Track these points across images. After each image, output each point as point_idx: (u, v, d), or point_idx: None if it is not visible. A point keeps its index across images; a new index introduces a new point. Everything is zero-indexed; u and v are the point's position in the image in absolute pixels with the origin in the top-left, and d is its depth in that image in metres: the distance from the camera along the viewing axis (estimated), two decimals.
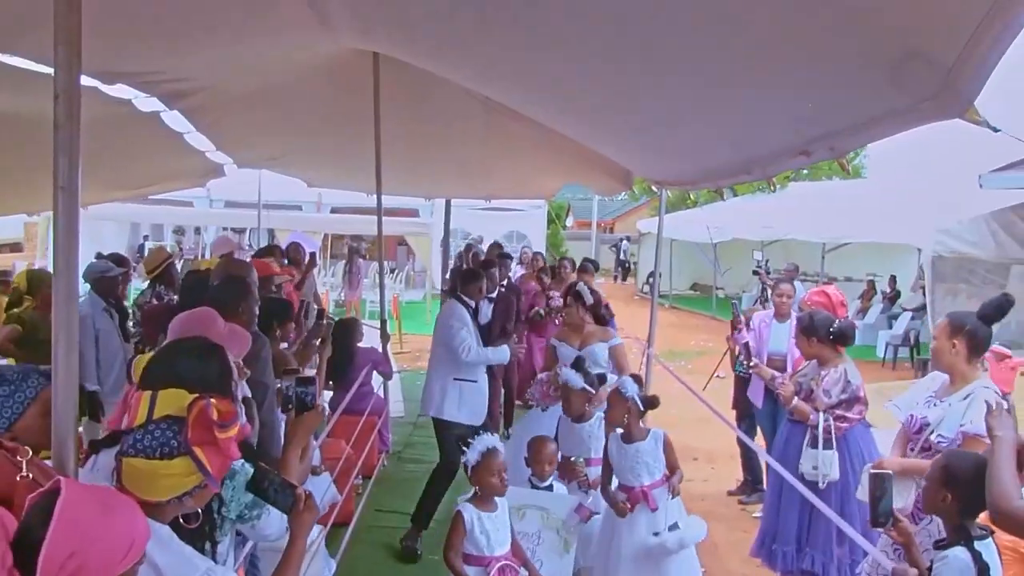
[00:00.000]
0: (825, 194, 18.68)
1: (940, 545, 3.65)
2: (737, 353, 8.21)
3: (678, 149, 6.05)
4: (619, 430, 5.67)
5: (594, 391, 6.17)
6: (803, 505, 5.91)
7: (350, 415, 7.97)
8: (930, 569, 3.61)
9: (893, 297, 20.73)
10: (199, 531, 2.82)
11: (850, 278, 24.26)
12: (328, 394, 8.63)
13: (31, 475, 2.57)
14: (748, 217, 21.84)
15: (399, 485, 8.61)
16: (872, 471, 3.95)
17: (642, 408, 5.66)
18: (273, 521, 3.09)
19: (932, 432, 4.79)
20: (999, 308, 4.84)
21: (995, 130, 2.61)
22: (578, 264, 12.36)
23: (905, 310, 18.88)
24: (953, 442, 4.62)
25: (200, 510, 2.79)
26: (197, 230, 27.31)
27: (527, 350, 11.41)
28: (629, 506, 5.46)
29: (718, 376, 14.23)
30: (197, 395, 2.52)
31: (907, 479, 4.77)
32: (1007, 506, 3.22)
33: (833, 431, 5.86)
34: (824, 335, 6.02)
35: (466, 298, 7.49)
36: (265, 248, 11.99)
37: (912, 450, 4.92)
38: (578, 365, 6.20)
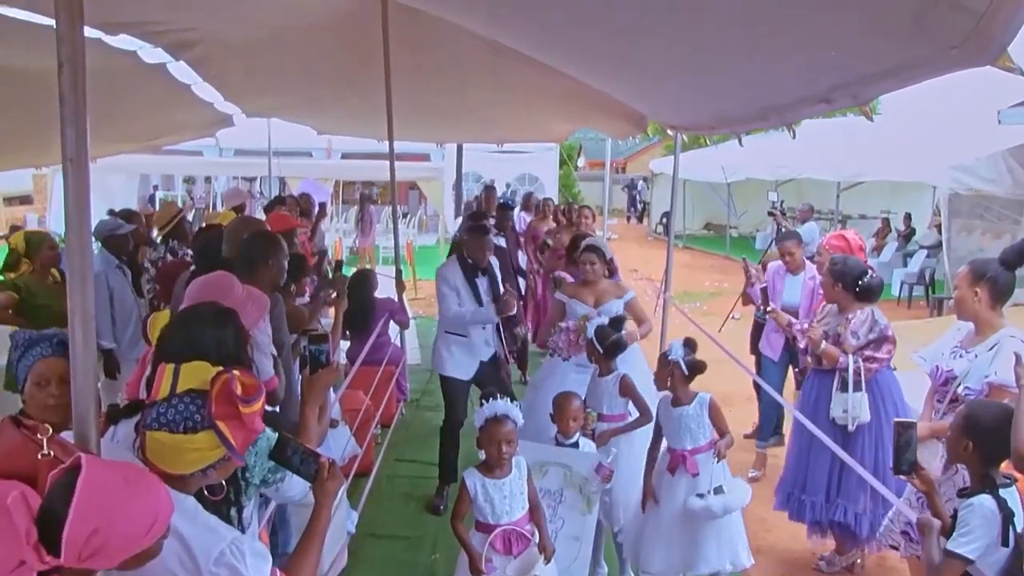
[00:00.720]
0: (839, 132, 18.43)
1: (964, 493, 3.66)
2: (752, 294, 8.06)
3: (694, 95, 5.96)
4: (667, 393, 5.45)
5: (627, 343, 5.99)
6: (834, 455, 5.78)
7: (368, 366, 7.96)
8: (954, 517, 3.62)
9: (908, 235, 20.59)
10: (224, 497, 2.82)
11: (864, 216, 24.12)
12: (345, 345, 8.64)
13: (52, 452, 2.55)
14: (762, 156, 21.62)
15: (418, 433, 8.62)
16: (896, 420, 3.96)
17: (687, 373, 5.33)
18: (296, 483, 3.09)
19: (959, 385, 4.73)
20: (1021, 253, 4.74)
21: None
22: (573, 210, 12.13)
23: (921, 247, 18.77)
24: (980, 393, 4.57)
25: (224, 480, 2.79)
26: (208, 179, 27.20)
27: (543, 291, 11.41)
28: (666, 470, 5.32)
29: (734, 318, 14.16)
30: (221, 369, 2.50)
31: (933, 442, 4.73)
32: None
33: (863, 373, 5.74)
34: (851, 285, 5.89)
35: (469, 258, 7.20)
36: (275, 199, 11.97)
37: (940, 403, 4.87)
38: (616, 324, 5.92)
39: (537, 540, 4.66)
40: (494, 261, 7.28)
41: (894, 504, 4.81)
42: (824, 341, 5.92)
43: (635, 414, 5.82)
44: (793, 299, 7.78)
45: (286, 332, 4.97)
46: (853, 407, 5.74)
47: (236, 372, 2.51)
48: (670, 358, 5.35)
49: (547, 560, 4.61)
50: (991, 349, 4.66)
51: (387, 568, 6.20)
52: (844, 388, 5.78)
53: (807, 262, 7.70)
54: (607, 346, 5.76)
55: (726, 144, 17.63)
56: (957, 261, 15.62)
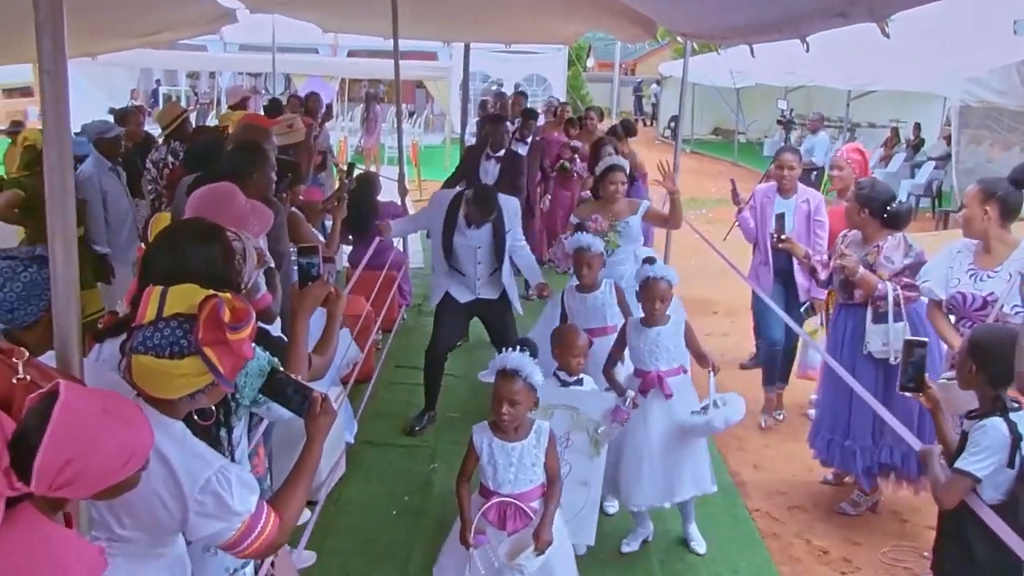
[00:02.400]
0: (851, 39, 18.09)
1: (973, 415, 3.70)
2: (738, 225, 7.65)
3: (706, 3, 5.82)
4: (640, 314, 5.26)
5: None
6: (875, 391, 5.31)
7: (370, 270, 7.97)
8: (962, 438, 3.69)
9: (917, 145, 20.34)
10: (214, 419, 2.80)
11: (874, 124, 23.85)
12: (348, 249, 8.61)
13: (28, 377, 2.49)
14: (772, 63, 21.25)
15: (419, 339, 8.61)
16: (907, 338, 4.00)
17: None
18: None
19: (1003, 305, 4.64)
20: None
21: None
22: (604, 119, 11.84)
23: (929, 159, 18.58)
24: None
25: (214, 405, 2.77)
26: (212, 75, 26.87)
27: (552, 206, 11.33)
28: (638, 393, 5.05)
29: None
30: (210, 293, 2.44)
31: None
32: None
33: (901, 301, 5.35)
34: (879, 211, 5.48)
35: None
36: (273, 100, 11.82)
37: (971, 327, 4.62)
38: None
39: (537, 523, 4.15)
40: (510, 206, 6.74)
41: (904, 436, 4.58)
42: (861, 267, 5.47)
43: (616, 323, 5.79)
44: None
45: (286, 243, 4.90)
46: (895, 338, 5.28)
47: (227, 296, 2.46)
48: (661, 280, 5.11)
49: (538, 552, 4.05)
50: None
51: (385, 476, 6.23)
52: (879, 319, 5.41)
53: (800, 186, 7.06)
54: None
55: (736, 49, 17.37)
56: (965, 173, 15.49)
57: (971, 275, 4.84)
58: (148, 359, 2.38)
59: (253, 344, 2.93)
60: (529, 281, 6.93)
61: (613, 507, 5.68)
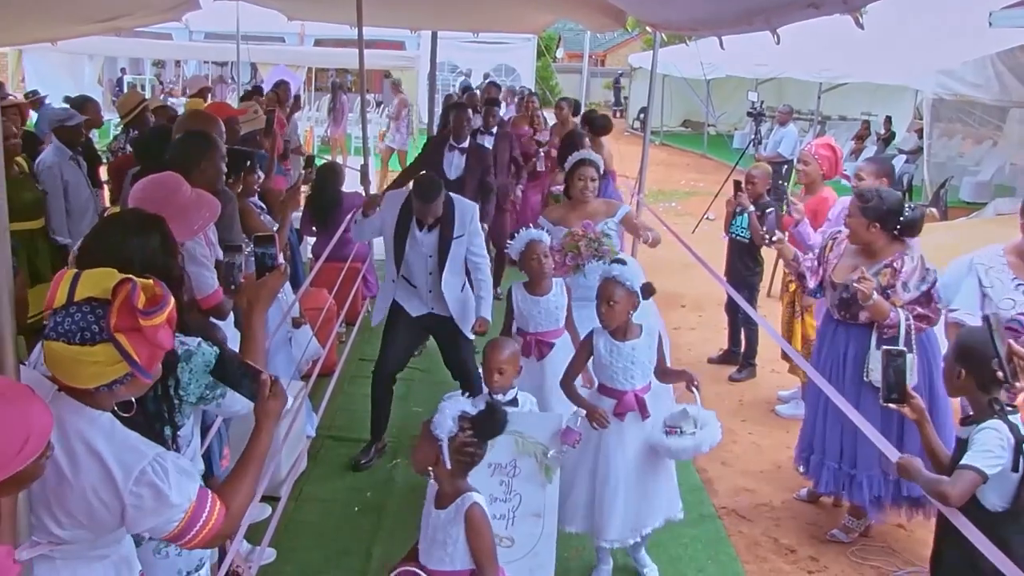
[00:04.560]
0: (822, 31, 18.05)
1: (968, 421, 3.60)
2: (736, 213, 7.63)
3: None
4: (605, 327, 4.70)
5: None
6: (886, 423, 4.88)
7: (333, 262, 7.82)
8: (958, 446, 3.58)
9: (888, 138, 20.39)
10: (157, 415, 2.69)
11: (844, 117, 23.96)
12: (311, 241, 8.47)
13: None
14: (742, 55, 21.22)
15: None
16: (886, 347, 3.82)
17: (640, 299, 4.66)
18: (239, 396, 2.91)
19: None
20: None
21: None
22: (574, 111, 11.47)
23: (900, 152, 18.62)
24: None
25: (158, 393, 2.66)
26: (177, 63, 26.60)
27: (522, 203, 10.85)
28: (613, 416, 4.63)
29: (708, 218, 14.13)
30: (125, 276, 2.30)
31: None
32: None
33: (913, 332, 4.89)
34: (892, 224, 4.97)
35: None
36: (254, 89, 11.65)
37: None
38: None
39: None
40: (463, 208, 6.01)
41: (881, 449, 4.23)
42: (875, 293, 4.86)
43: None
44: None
45: (239, 234, 4.75)
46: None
47: (147, 280, 2.33)
48: (630, 288, 4.60)
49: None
50: None
51: (346, 472, 6.13)
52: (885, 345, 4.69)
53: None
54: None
55: (706, 40, 17.31)
56: (936, 167, 15.54)
57: (1020, 288, 4.58)
58: (59, 345, 2.25)
59: (200, 339, 2.81)
60: (475, 310, 5.98)
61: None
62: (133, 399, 2.50)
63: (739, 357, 8.14)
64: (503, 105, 14.18)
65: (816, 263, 5.43)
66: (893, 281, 4.93)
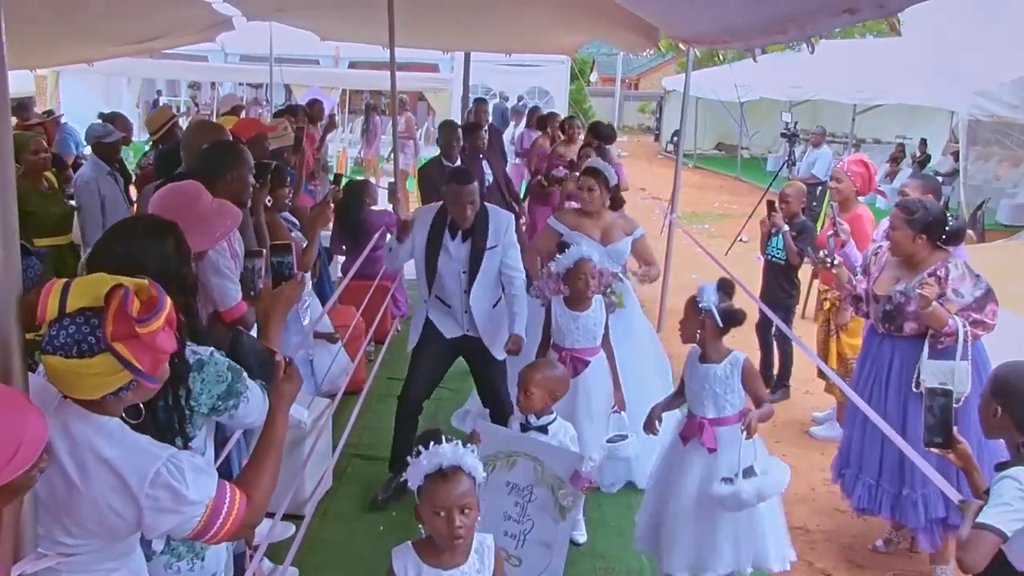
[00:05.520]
0: (857, 53, 18.00)
1: (1002, 466, 3.14)
2: (772, 234, 7.53)
3: (707, 3, 5.65)
4: (695, 347, 4.52)
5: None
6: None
7: (362, 280, 7.77)
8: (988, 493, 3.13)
9: (923, 161, 20.14)
10: (167, 425, 2.62)
11: (879, 140, 23.71)
12: (341, 259, 8.44)
13: None
14: (776, 76, 21.21)
15: None
16: (929, 386, 3.57)
17: (720, 324, 4.35)
18: (253, 409, 2.87)
19: None
20: None
21: None
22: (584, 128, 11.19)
23: (936, 174, 18.41)
24: None
25: (168, 403, 2.60)
26: (213, 85, 26.82)
27: (530, 224, 10.57)
28: (678, 438, 4.51)
29: (741, 240, 14.02)
30: (115, 283, 2.22)
31: None
32: None
33: (969, 338, 4.72)
34: (937, 234, 4.92)
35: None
36: (287, 108, 11.69)
37: None
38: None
39: None
40: (499, 218, 5.76)
41: (934, 480, 4.10)
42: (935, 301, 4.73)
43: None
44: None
45: (252, 240, 4.66)
46: (959, 379, 4.65)
47: (140, 282, 2.26)
48: (700, 305, 4.37)
49: None
50: None
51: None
52: (938, 355, 4.79)
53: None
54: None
55: (740, 63, 17.26)
56: (972, 190, 15.33)
57: None
58: (56, 360, 2.18)
59: (212, 349, 2.75)
60: (508, 327, 5.73)
61: (582, 536, 5.32)
62: (141, 405, 2.43)
63: (772, 379, 7.99)
64: (512, 124, 14.11)
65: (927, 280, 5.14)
66: (941, 290, 4.79)
